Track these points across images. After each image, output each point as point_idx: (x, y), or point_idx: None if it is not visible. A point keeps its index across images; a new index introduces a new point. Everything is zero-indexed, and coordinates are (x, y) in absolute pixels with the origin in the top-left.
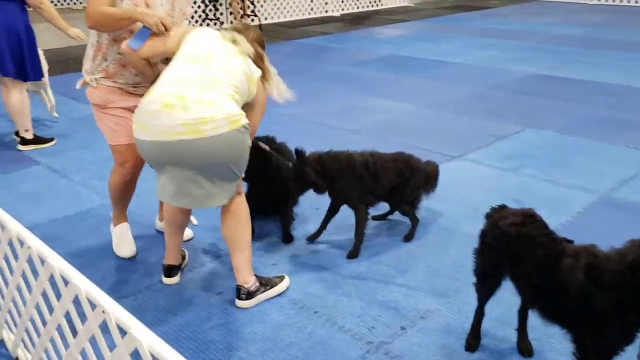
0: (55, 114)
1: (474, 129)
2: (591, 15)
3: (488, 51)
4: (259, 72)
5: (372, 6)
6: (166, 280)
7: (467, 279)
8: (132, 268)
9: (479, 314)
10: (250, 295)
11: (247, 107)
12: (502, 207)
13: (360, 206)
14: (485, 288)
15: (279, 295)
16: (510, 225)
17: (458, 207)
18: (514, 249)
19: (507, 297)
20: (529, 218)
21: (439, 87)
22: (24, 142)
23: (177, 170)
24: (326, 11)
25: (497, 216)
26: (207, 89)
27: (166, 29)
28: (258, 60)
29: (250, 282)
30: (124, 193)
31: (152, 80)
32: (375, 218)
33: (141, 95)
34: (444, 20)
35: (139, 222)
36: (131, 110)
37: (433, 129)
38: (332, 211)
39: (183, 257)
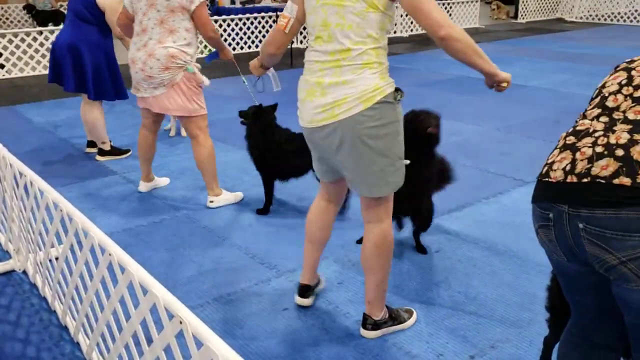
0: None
1: (546, 154)
2: None
3: (562, 75)
4: None
5: None
6: (299, 301)
7: (539, 310)
8: (201, 279)
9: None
10: (377, 326)
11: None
12: None
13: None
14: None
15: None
16: None
17: (530, 234)
18: None
19: None
20: None
21: (511, 109)
22: (102, 153)
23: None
24: (394, 32)
25: None
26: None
27: None
28: None
29: (379, 315)
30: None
31: None
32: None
33: None
34: (515, 43)
35: (214, 231)
36: None
37: (505, 152)
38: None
39: (318, 281)
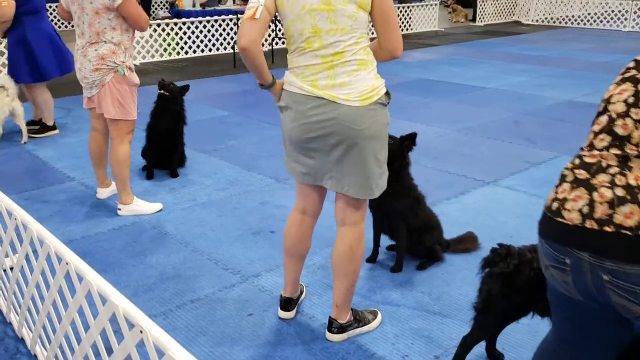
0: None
1: (507, 155)
2: (626, 42)
3: (520, 77)
4: None
5: (403, 31)
6: (282, 314)
7: None
8: (164, 287)
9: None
10: (342, 329)
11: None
12: (507, 247)
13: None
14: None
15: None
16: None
17: (492, 234)
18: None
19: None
20: None
21: (470, 111)
22: (47, 129)
23: None
24: None
25: (525, 256)
26: None
27: None
28: None
29: (345, 319)
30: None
31: None
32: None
33: None
34: (474, 46)
35: (176, 237)
36: None
37: (465, 153)
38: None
39: (302, 292)
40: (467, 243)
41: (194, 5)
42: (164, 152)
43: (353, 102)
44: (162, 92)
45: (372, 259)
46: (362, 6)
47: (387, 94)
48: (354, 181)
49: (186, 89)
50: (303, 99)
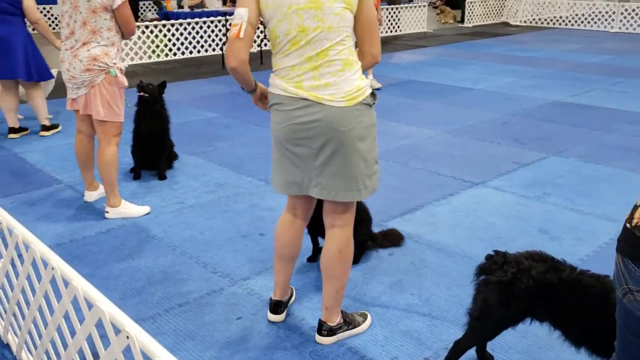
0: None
1: (495, 156)
2: (613, 43)
3: (508, 78)
4: None
5: (391, 32)
6: (271, 317)
7: None
8: (152, 290)
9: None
10: (332, 332)
11: None
12: (503, 254)
13: None
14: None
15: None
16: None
17: (481, 234)
18: (559, 296)
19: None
20: (554, 262)
21: (459, 112)
22: (46, 128)
23: None
24: None
25: (522, 264)
26: None
27: None
28: None
29: (335, 321)
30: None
31: None
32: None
33: None
34: (462, 47)
35: (164, 240)
36: None
37: (454, 155)
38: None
39: (291, 294)
40: (392, 238)
41: (182, 7)
42: (150, 153)
43: (338, 103)
44: (142, 94)
45: (313, 258)
46: (349, 6)
47: (373, 94)
48: (340, 185)
49: (163, 85)
50: (287, 100)
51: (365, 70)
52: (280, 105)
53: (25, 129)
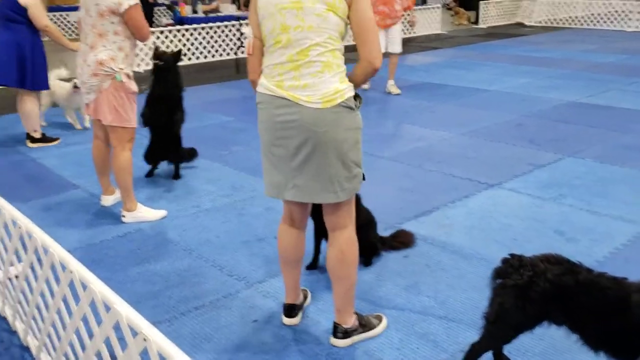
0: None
1: (511, 157)
2: (629, 42)
3: (523, 79)
4: None
5: (405, 34)
6: (286, 321)
7: None
8: (168, 293)
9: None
10: (347, 334)
11: None
12: (519, 257)
13: None
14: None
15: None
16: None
17: (496, 236)
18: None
19: None
20: (570, 264)
21: (474, 114)
22: (33, 140)
23: None
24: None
25: (538, 267)
26: None
27: None
28: None
29: (349, 323)
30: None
31: None
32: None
33: None
34: (477, 48)
35: (180, 244)
36: None
37: (469, 156)
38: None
39: (305, 296)
40: (402, 239)
41: (196, 12)
42: (163, 117)
43: (314, 104)
44: (157, 61)
45: (313, 266)
46: (333, 8)
47: (357, 97)
48: (316, 187)
49: (179, 54)
50: (269, 99)
51: (365, 78)
52: (262, 103)
53: (51, 139)
